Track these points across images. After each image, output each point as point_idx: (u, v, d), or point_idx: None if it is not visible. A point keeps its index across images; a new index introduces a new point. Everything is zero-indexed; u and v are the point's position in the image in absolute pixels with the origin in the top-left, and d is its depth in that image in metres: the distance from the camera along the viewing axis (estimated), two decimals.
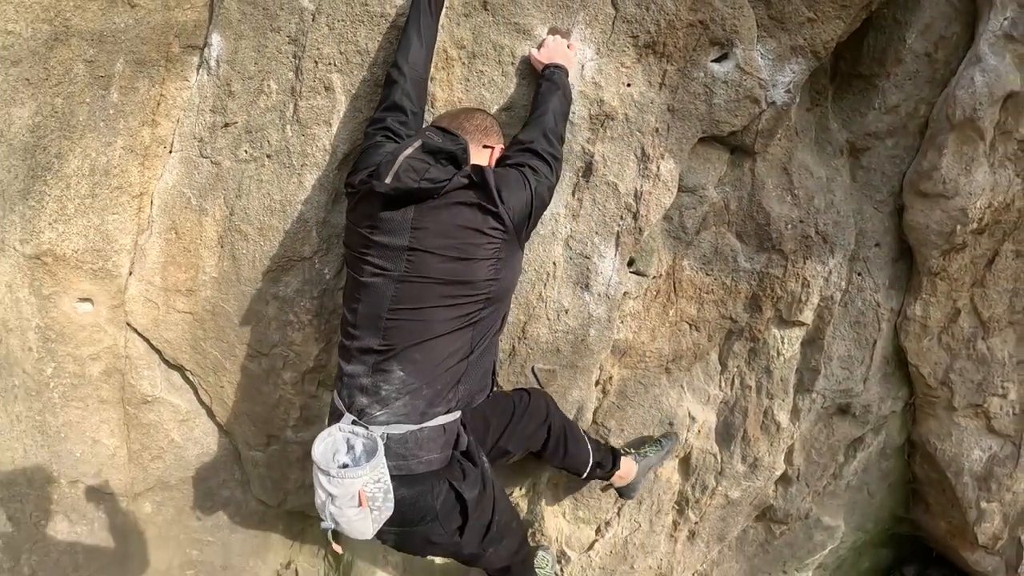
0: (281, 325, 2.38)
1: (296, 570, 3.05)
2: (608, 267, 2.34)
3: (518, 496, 2.73)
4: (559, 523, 2.82)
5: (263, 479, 2.69)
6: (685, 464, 2.83)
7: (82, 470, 2.59)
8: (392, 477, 1.72)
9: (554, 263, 2.32)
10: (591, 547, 2.79)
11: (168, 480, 2.67)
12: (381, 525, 1.76)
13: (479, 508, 1.96)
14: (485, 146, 2.01)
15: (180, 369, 2.54)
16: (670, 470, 2.79)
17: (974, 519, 3.07)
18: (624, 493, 2.66)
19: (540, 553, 2.65)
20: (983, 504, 3.06)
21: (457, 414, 1.90)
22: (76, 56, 2.17)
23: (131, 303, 2.43)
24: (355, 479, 1.66)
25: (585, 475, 2.43)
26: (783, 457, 2.85)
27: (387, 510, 1.74)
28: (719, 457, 2.78)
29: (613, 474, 2.49)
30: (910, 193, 2.61)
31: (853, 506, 3.17)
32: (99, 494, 2.65)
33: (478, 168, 1.82)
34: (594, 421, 2.64)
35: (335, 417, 1.86)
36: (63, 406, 2.51)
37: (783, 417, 2.74)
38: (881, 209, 2.67)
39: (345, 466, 1.70)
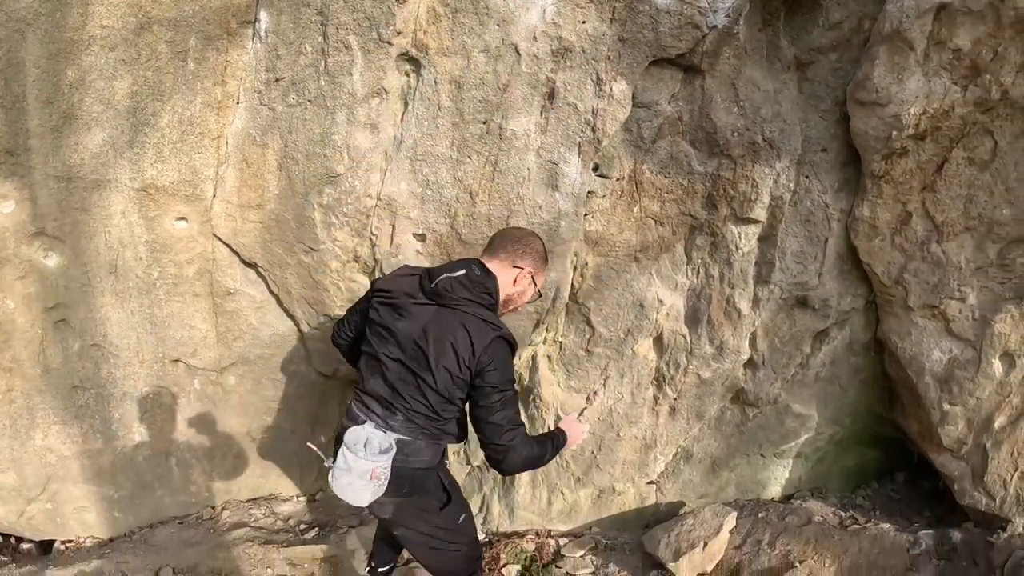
0: (326, 226, 2.99)
1: None
2: (573, 171, 2.85)
3: (520, 366, 3.26)
4: (554, 391, 3.32)
5: (320, 353, 3.34)
6: (658, 343, 3.26)
7: (181, 351, 3.26)
8: (396, 467, 2.24)
9: (528, 169, 2.84)
10: (581, 413, 3.26)
11: (248, 356, 3.35)
12: (377, 495, 2.25)
13: (457, 500, 2.48)
14: (515, 266, 2.37)
15: (254, 266, 3.19)
16: (646, 347, 3.24)
17: (938, 420, 3.20)
18: None
19: None
20: (946, 406, 3.17)
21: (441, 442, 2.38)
22: (158, 39, 2.78)
23: (216, 218, 3.05)
24: (374, 463, 2.20)
25: None
26: (747, 342, 3.23)
27: (381, 489, 2.24)
28: (688, 338, 3.20)
29: None
30: (851, 102, 2.90)
31: (825, 398, 3.45)
32: (194, 370, 3.33)
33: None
34: (575, 301, 3.13)
35: (355, 419, 2.34)
36: (167, 301, 3.16)
37: (744, 305, 3.14)
38: (827, 118, 2.99)
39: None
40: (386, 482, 2.23)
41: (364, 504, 2.26)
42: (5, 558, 3.40)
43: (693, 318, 3.20)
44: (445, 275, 2.26)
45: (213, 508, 3.65)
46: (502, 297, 2.34)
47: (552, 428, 2.71)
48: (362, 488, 2.20)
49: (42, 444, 3.29)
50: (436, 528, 2.42)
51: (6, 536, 3.57)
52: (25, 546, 3.57)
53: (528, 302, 2.55)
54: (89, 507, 3.50)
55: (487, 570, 3.42)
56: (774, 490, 3.69)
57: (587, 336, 3.20)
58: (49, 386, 3.20)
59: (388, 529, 2.58)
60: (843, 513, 3.54)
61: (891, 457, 3.83)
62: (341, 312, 3.19)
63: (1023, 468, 3.11)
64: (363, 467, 2.18)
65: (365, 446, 2.22)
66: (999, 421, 3.10)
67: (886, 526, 3.37)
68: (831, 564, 3.21)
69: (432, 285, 2.25)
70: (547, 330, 3.23)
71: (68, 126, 2.81)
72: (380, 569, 2.84)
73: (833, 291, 3.17)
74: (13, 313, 3.06)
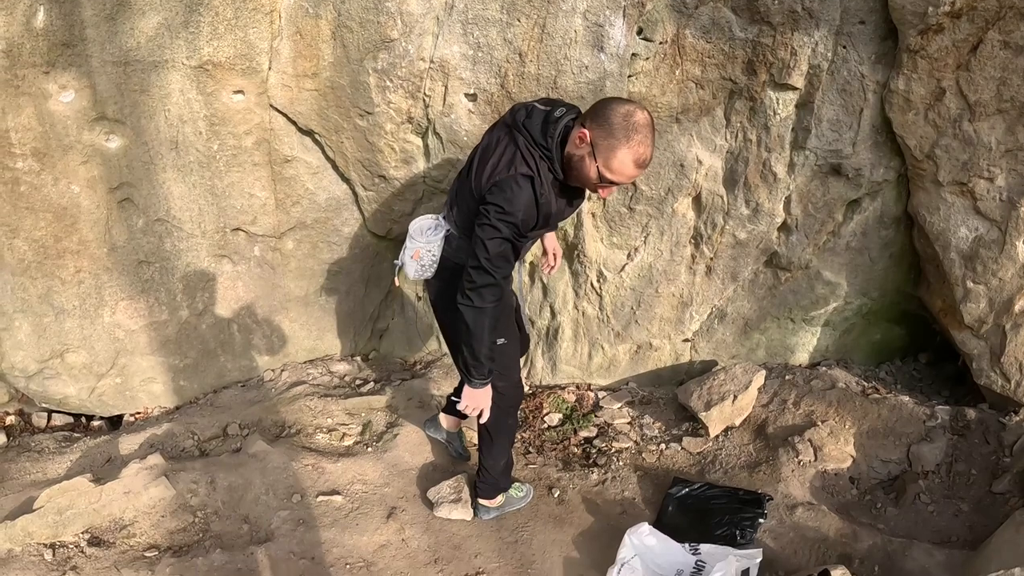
0: (381, 90, 3.10)
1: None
2: (618, 33, 2.94)
3: (566, 223, 3.36)
4: (598, 247, 3.48)
5: (374, 214, 3.51)
6: (697, 202, 3.40)
7: (241, 219, 3.41)
8: (444, 256, 2.48)
9: (575, 31, 2.93)
10: (623, 269, 3.44)
11: (305, 220, 3.51)
12: (421, 275, 2.54)
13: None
14: (582, 124, 2.15)
15: (310, 134, 3.31)
16: (685, 207, 3.37)
17: (960, 297, 3.29)
18: (478, 510, 3.02)
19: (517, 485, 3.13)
20: (969, 284, 3.25)
21: None
22: None
23: (272, 90, 3.15)
24: (418, 245, 2.50)
25: (476, 476, 2.97)
26: (782, 206, 3.34)
27: (428, 270, 2.51)
28: (725, 199, 3.33)
29: (488, 495, 2.98)
30: None
31: (855, 268, 3.56)
32: (254, 237, 3.48)
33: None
34: None
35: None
36: (226, 172, 3.28)
37: (780, 168, 3.24)
38: None
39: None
40: (431, 267, 2.51)
41: (410, 277, 2.57)
42: (78, 435, 3.61)
43: (731, 180, 3.32)
44: (538, 106, 2.30)
45: (273, 371, 3.87)
46: (564, 152, 2.21)
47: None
48: (407, 264, 2.55)
49: (110, 321, 3.47)
50: None
51: (76, 416, 3.79)
52: (96, 423, 3.78)
53: (590, 188, 2.31)
54: (156, 378, 3.71)
55: (531, 417, 3.65)
56: (802, 356, 3.84)
57: (629, 193, 3.32)
58: (115, 264, 3.36)
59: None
60: (866, 383, 3.70)
61: (915, 337, 3.94)
62: (395, 173, 3.36)
63: None
64: (411, 247, 2.52)
65: (420, 231, 2.52)
66: (1020, 304, 3.19)
67: (905, 398, 3.51)
68: (851, 426, 3.38)
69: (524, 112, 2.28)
70: None
71: (122, 13, 2.88)
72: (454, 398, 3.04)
73: (866, 161, 3.25)
74: (78, 197, 3.19)
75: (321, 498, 3.00)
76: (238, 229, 3.49)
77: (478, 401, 2.49)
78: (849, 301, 3.67)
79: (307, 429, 3.44)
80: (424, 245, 2.50)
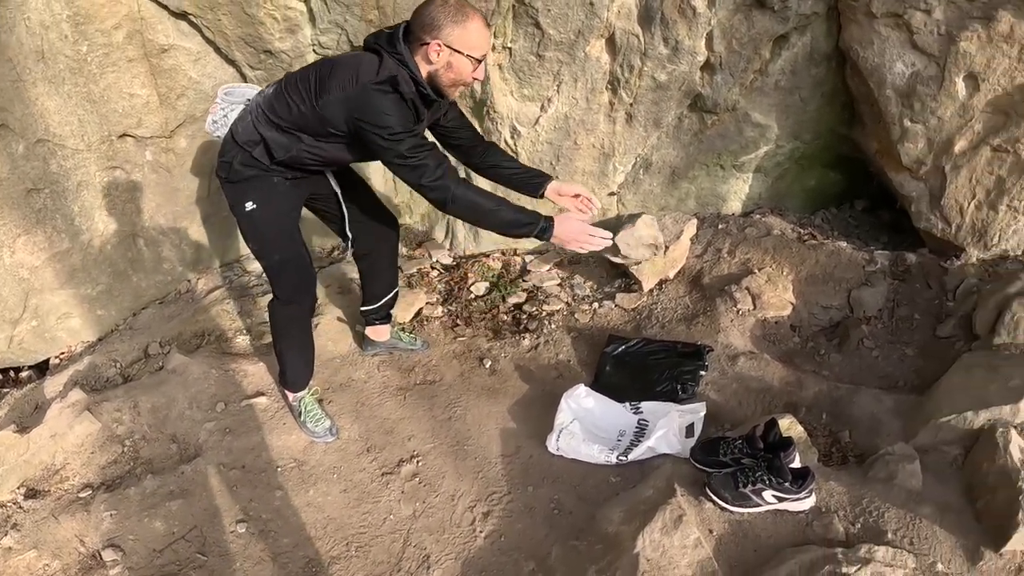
0: None
1: None
2: None
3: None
4: (508, 101, 3.19)
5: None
6: (611, 44, 3.09)
7: (126, 123, 3.06)
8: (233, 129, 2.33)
9: None
10: (537, 122, 3.16)
11: (194, 113, 3.17)
12: (211, 130, 2.42)
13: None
14: (423, 43, 2.06)
15: (184, 16, 2.94)
16: (598, 49, 3.07)
17: (897, 137, 3.13)
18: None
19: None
20: (906, 123, 3.10)
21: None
22: None
23: None
24: (220, 100, 2.40)
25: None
26: (703, 43, 3.05)
27: (218, 127, 2.39)
28: (642, 38, 3.02)
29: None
30: None
31: (785, 109, 3.34)
32: (143, 141, 3.15)
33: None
34: (521, 2, 2.94)
35: None
36: (100, 74, 2.92)
37: (699, 2, 2.92)
38: None
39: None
40: (221, 127, 2.39)
41: (205, 128, 2.47)
42: (7, 389, 3.32)
43: (646, 16, 2.99)
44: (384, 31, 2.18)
45: (189, 281, 3.57)
46: (424, 76, 2.10)
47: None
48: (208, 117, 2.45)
49: (11, 261, 3.10)
50: None
51: (4, 371, 3.48)
52: (24, 374, 3.47)
53: (467, 83, 2.20)
54: (72, 312, 3.38)
55: (457, 289, 3.45)
56: (734, 205, 3.66)
57: (537, 40, 3.00)
58: (3, 198, 2.97)
59: None
60: (802, 230, 3.55)
61: (852, 182, 3.79)
62: (281, 45, 2.98)
63: (980, 197, 3.09)
64: (217, 102, 2.41)
65: (232, 92, 2.41)
66: (959, 145, 3.03)
67: (843, 244, 3.39)
68: (789, 273, 3.24)
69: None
70: (495, 36, 3.02)
71: None
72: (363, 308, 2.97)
73: None
74: None
75: (245, 402, 2.78)
76: (125, 135, 3.12)
77: (566, 239, 2.22)
78: (781, 145, 3.46)
79: (227, 334, 3.19)
80: (225, 103, 2.38)
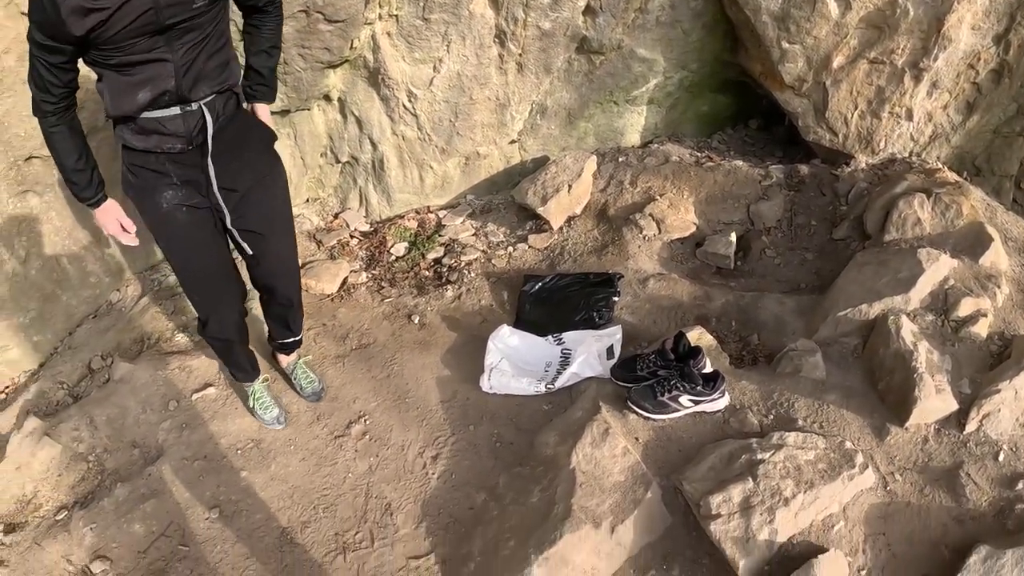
0: None
1: None
2: None
3: (361, 48, 3.06)
4: (401, 66, 3.22)
5: None
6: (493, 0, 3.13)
7: (30, 146, 2.94)
8: None
9: None
10: (432, 83, 3.21)
11: (96, 124, 3.03)
12: None
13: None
14: None
15: None
16: (482, 6, 3.12)
17: (777, 58, 3.25)
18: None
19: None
20: (784, 44, 3.21)
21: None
22: None
23: None
24: None
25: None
26: None
27: None
28: None
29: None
30: None
31: (669, 42, 3.44)
32: (49, 160, 2.95)
33: None
34: None
35: None
36: None
37: None
38: None
39: None
40: None
41: None
42: None
43: None
44: None
45: (119, 290, 3.55)
46: None
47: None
48: None
49: None
50: None
51: None
52: None
53: None
54: (8, 344, 3.30)
55: (377, 253, 3.52)
56: (632, 138, 3.79)
57: (421, 4, 3.03)
58: None
59: None
60: (699, 154, 3.70)
61: (743, 103, 3.93)
62: None
63: (862, 107, 3.24)
64: None
65: None
66: (837, 61, 3.17)
67: (739, 162, 3.54)
68: (689, 196, 3.39)
69: None
70: (380, 5, 3.03)
71: None
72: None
73: None
74: None
75: (195, 396, 2.83)
76: (31, 157, 3.04)
77: (101, 223, 2.24)
78: (669, 76, 3.58)
79: (165, 335, 3.20)
80: None
